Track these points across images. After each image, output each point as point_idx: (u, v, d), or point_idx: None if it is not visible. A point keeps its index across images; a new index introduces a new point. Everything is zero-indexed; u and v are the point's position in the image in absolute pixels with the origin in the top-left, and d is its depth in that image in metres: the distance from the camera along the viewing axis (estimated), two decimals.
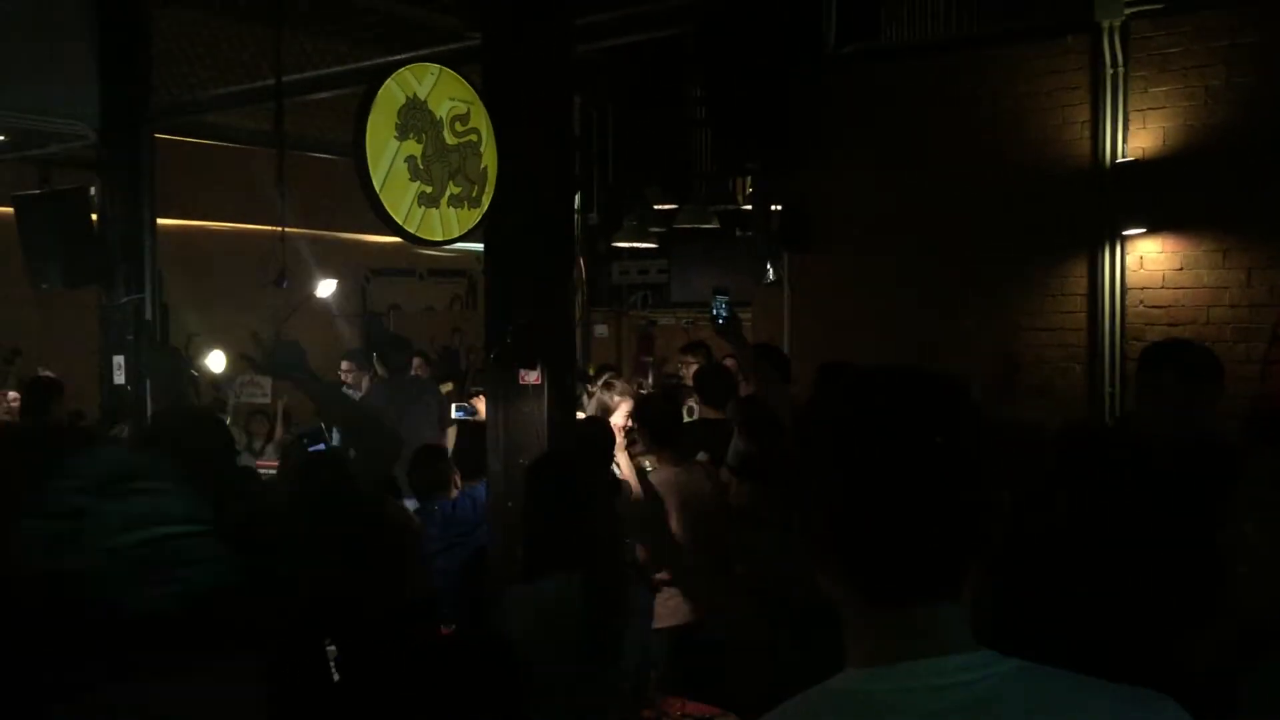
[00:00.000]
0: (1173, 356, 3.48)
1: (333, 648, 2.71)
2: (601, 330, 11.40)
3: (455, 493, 5.28)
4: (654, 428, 5.05)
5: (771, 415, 4.42)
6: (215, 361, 8.67)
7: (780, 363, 5.64)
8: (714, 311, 4.19)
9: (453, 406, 6.88)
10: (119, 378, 7.69)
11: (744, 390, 5.57)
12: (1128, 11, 6.11)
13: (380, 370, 7.65)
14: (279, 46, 6.63)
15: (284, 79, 6.65)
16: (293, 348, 3.08)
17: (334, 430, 5.94)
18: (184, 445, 2.60)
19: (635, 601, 3.21)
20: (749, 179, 9.00)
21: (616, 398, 5.55)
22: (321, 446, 3.57)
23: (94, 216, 7.92)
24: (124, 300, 7.74)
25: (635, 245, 9.74)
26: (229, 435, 2.93)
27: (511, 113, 5.17)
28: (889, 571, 1.07)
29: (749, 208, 9.05)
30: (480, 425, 6.43)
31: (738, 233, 9.29)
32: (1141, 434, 3.27)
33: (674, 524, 4.78)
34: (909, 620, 1.07)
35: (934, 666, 1.05)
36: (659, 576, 4.73)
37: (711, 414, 5.99)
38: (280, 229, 6.59)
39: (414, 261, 12.22)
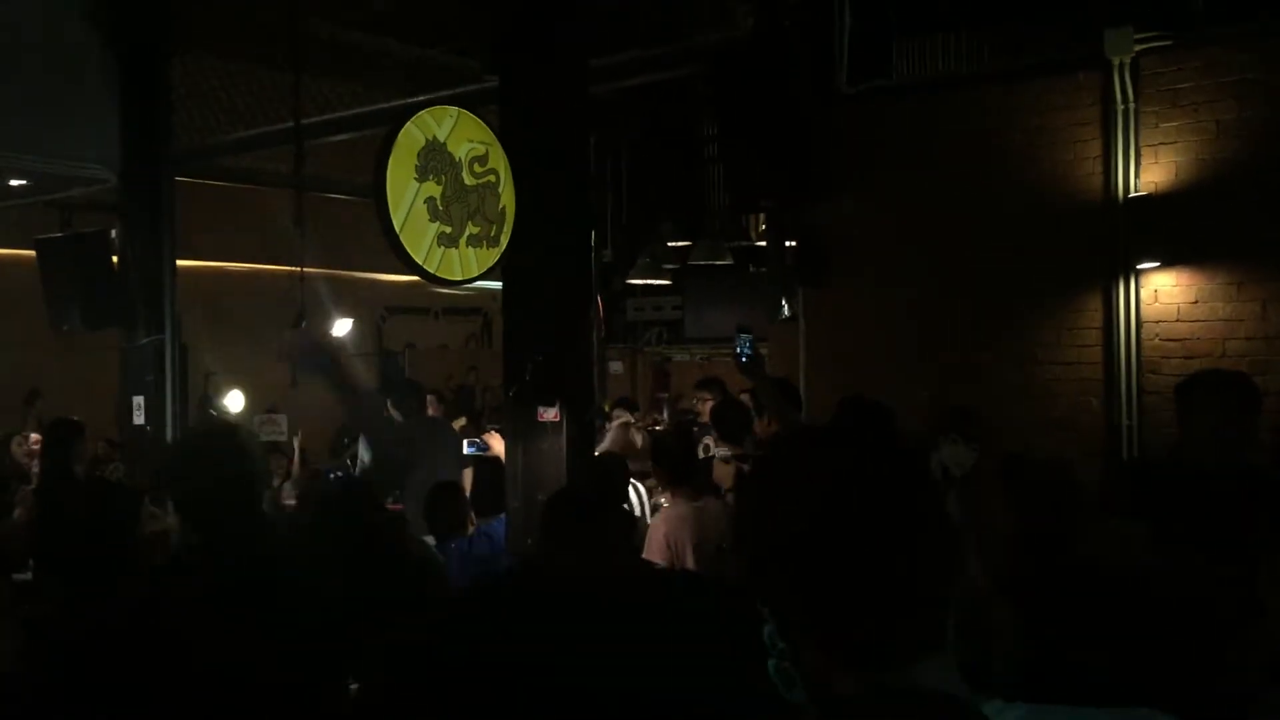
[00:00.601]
0: (1221, 387, 3.51)
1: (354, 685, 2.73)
2: (616, 367, 11.44)
3: (472, 530, 5.30)
4: (669, 466, 5.07)
5: None
6: (234, 401, 8.73)
7: (794, 398, 5.66)
8: (738, 349, 4.24)
9: (464, 443, 6.90)
10: (138, 418, 7.75)
11: (759, 427, 5.59)
12: (1138, 48, 6.17)
13: (396, 415, 7.63)
14: (297, 90, 6.73)
15: (302, 122, 6.75)
16: (317, 347, 3.05)
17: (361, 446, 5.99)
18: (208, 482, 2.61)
19: None
20: (763, 215, 9.05)
21: (634, 433, 5.59)
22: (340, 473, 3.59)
23: (114, 259, 8.02)
24: (144, 341, 7.82)
25: (649, 282, 9.79)
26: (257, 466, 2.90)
27: (529, 154, 5.25)
28: (876, 635, 1.05)
29: (763, 244, 9.09)
30: (496, 461, 6.47)
31: (751, 269, 9.34)
32: (1200, 465, 3.27)
33: (688, 562, 4.78)
34: (909, 677, 1.05)
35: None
36: None
37: (728, 450, 6.01)
38: (300, 269, 6.66)
39: (429, 300, 12.29)
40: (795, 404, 5.51)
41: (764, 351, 7.02)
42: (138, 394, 7.83)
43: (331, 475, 4.15)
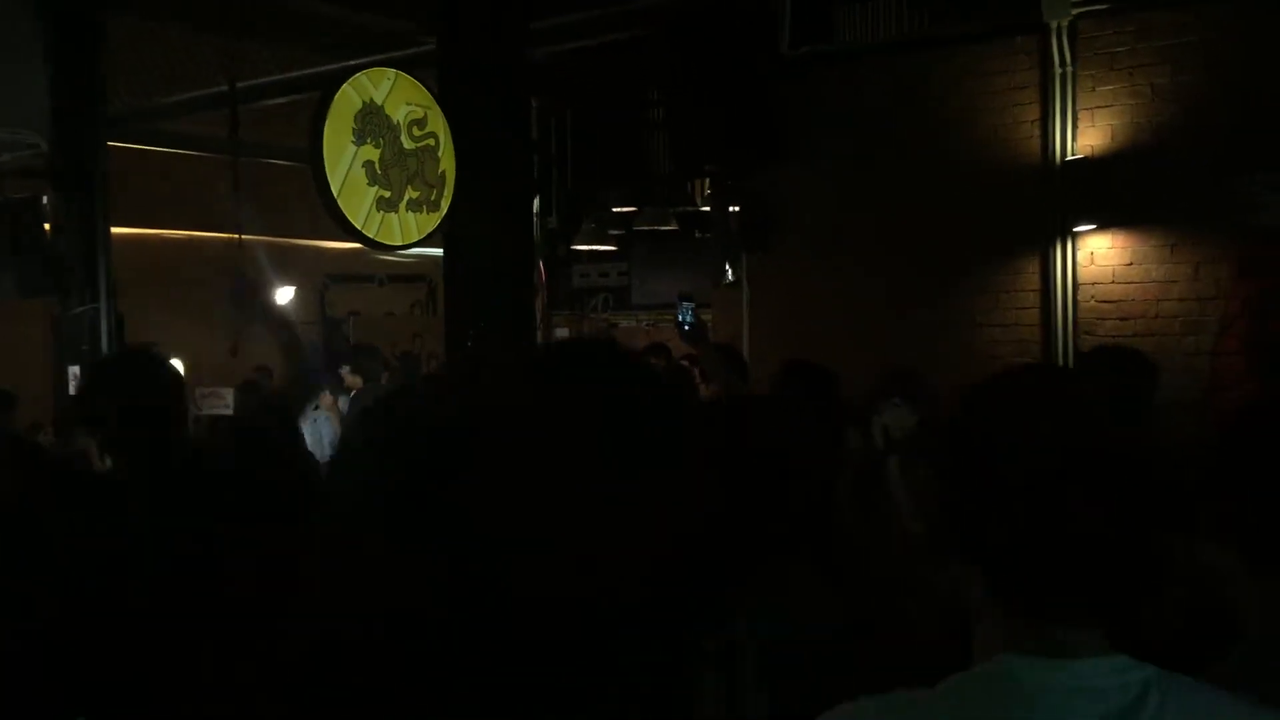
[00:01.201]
0: (1117, 360, 3.57)
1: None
2: (562, 333, 11.41)
3: None
4: None
5: None
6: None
7: (738, 364, 5.69)
8: (680, 318, 4.25)
9: None
10: (74, 388, 7.60)
11: (704, 392, 5.61)
12: (1075, 11, 6.22)
13: (352, 380, 7.50)
14: (232, 53, 6.61)
15: (239, 85, 6.64)
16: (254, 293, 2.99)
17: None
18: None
19: None
20: (707, 181, 9.05)
21: None
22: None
23: (47, 226, 7.83)
24: (79, 310, 7.67)
25: (595, 248, 9.76)
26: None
27: (469, 117, 5.20)
28: (1050, 594, 1.05)
29: (708, 209, 9.10)
30: None
31: (697, 234, 9.34)
32: None
33: None
34: (1055, 631, 1.05)
35: (1079, 668, 1.03)
36: None
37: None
38: (238, 236, 6.57)
39: (373, 267, 12.16)
40: (740, 369, 5.52)
41: (707, 318, 7.04)
42: (73, 364, 7.68)
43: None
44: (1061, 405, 1.11)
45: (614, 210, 9.41)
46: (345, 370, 7.45)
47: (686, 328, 4.24)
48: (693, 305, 4.31)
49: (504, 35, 5.33)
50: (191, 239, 10.15)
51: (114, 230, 8.04)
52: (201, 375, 8.97)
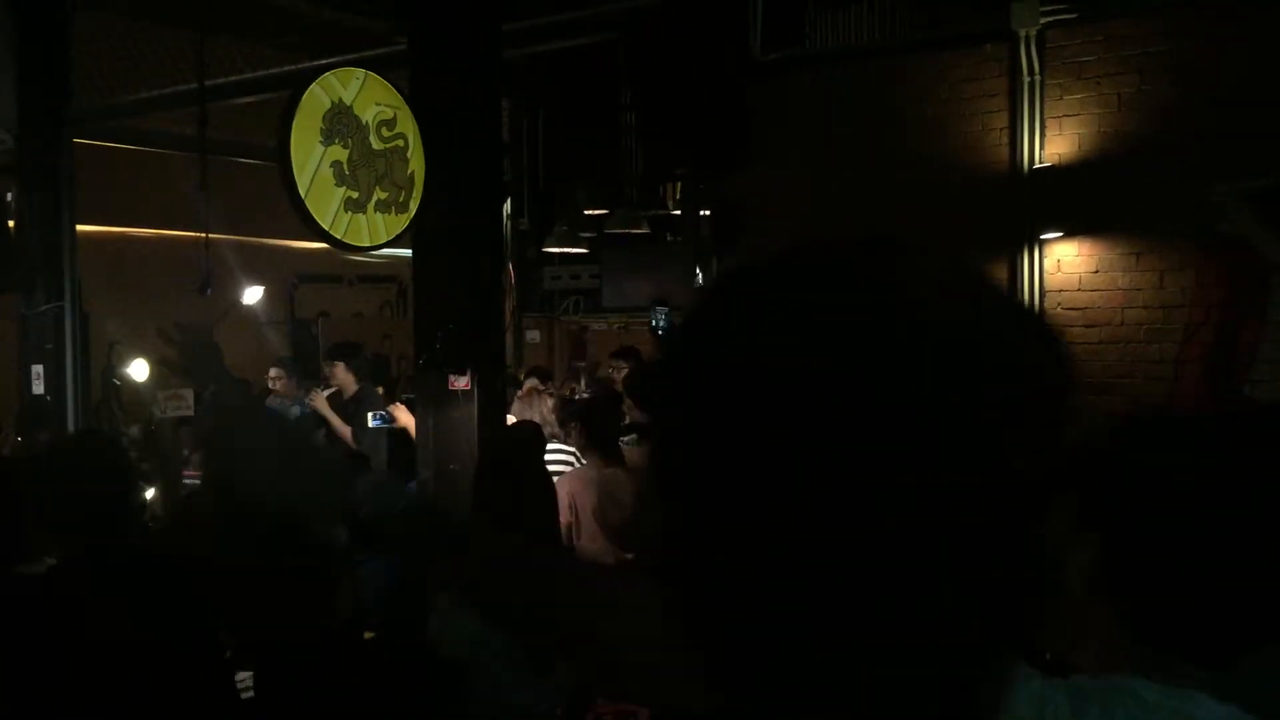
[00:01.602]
0: None
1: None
2: (533, 335, 11.38)
3: None
4: (593, 429, 5.08)
5: None
6: (138, 370, 8.51)
7: None
8: (654, 322, 4.25)
9: (369, 415, 6.73)
10: (38, 387, 7.52)
11: None
12: (1043, 21, 6.28)
13: (350, 379, 7.20)
14: (202, 50, 6.55)
15: (207, 83, 6.57)
16: (210, 349, 2.98)
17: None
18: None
19: None
20: (678, 184, 9.06)
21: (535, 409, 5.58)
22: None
23: (10, 223, 7.74)
24: (43, 308, 7.58)
25: (566, 250, 9.74)
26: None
27: (439, 118, 5.18)
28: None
29: (679, 213, 9.11)
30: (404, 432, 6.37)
31: (668, 237, 9.35)
32: None
33: (584, 523, 4.83)
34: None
35: (1192, 699, 1.02)
36: None
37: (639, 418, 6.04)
38: (204, 235, 6.51)
39: (342, 267, 12.08)
40: None
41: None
42: (37, 363, 7.59)
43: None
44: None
45: (585, 213, 9.41)
46: (340, 368, 7.24)
47: (660, 331, 4.24)
48: (668, 310, 4.32)
49: (476, 37, 5.31)
50: (158, 237, 10.05)
51: (79, 228, 7.96)
52: (166, 375, 8.88)
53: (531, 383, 8.17)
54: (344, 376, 7.11)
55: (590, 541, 4.84)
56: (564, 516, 4.82)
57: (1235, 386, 5.82)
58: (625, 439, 5.76)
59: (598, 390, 8.75)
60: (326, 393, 7.13)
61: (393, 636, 3.59)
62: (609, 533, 4.80)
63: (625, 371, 7.34)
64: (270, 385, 8.37)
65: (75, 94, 7.92)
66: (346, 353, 7.27)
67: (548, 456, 5.08)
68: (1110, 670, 1.04)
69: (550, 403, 5.55)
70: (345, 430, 6.80)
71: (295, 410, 8.04)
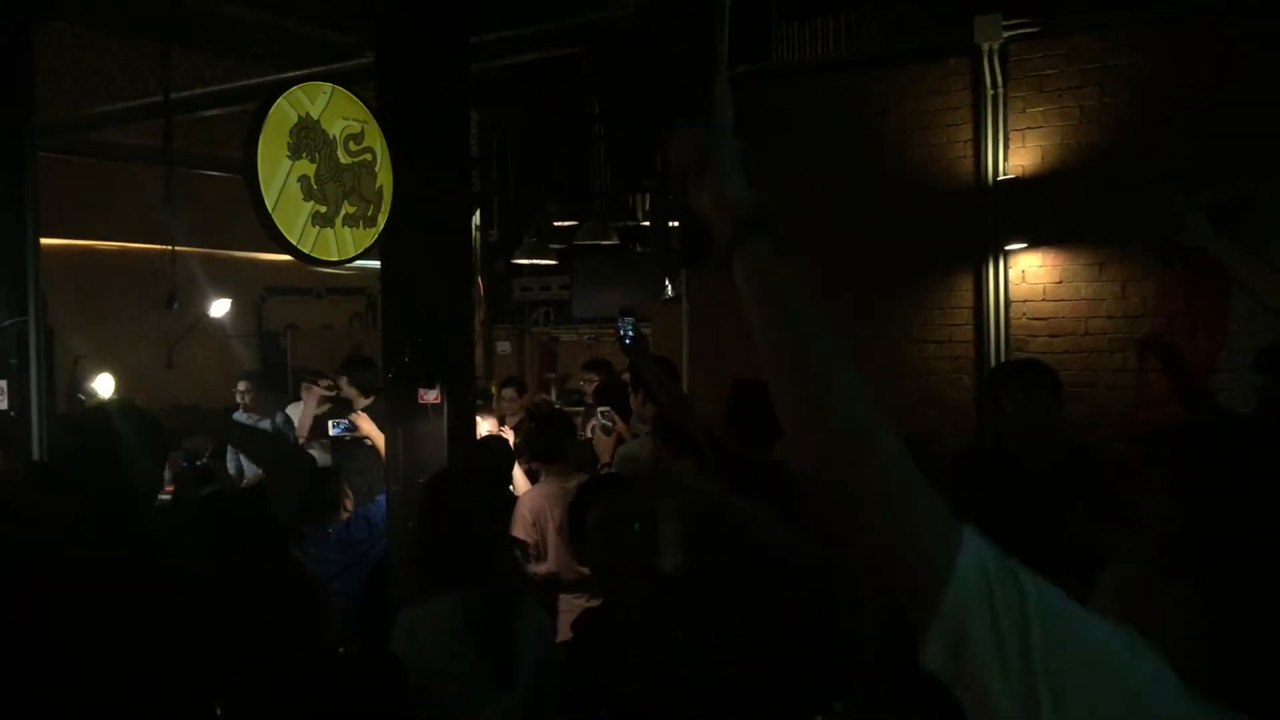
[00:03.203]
0: (1026, 372, 3.66)
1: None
2: (504, 347, 11.38)
3: (345, 515, 5.21)
4: (540, 444, 5.10)
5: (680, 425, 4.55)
6: (103, 384, 8.44)
7: (672, 375, 5.71)
8: (620, 332, 4.26)
9: (329, 423, 6.69)
10: (1, 403, 7.43)
11: (634, 404, 5.62)
12: (1006, 34, 6.36)
13: (358, 395, 7.11)
14: (168, 62, 6.52)
15: (173, 95, 6.54)
16: (189, 412, 2.99)
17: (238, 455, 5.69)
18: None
19: (532, 620, 3.21)
20: (648, 195, 9.09)
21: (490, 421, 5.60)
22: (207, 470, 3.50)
23: None
24: (7, 323, 7.50)
25: (536, 262, 9.76)
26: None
27: (406, 131, 5.17)
28: None
29: (648, 224, 9.14)
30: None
31: (638, 249, 9.38)
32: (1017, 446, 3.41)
33: (549, 539, 4.83)
34: None
35: None
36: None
37: (610, 420, 6.04)
38: (170, 248, 6.47)
39: (311, 280, 12.02)
40: (672, 378, 5.54)
41: (648, 332, 7.07)
42: (1, 378, 7.50)
43: (194, 462, 4.01)
44: None
45: (555, 224, 9.42)
46: (343, 382, 7.19)
47: (628, 341, 4.26)
48: (634, 320, 4.33)
49: (443, 50, 5.31)
50: (124, 250, 9.98)
51: (43, 241, 7.88)
52: (133, 389, 8.81)
53: (509, 393, 8.18)
54: (349, 390, 7.09)
55: (557, 557, 4.84)
56: (528, 535, 4.82)
57: (1204, 395, 5.91)
58: (602, 413, 5.75)
59: (543, 401, 8.75)
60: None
61: (362, 650, 3.59)
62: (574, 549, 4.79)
63: (596, 384, 7.36)
64: (239, 399, 8.33)
65: (39, 106, 7.84)
66: (353, 367, 7.26)
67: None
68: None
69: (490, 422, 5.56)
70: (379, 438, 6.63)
71: (265, 424, 8.00)
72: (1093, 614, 1.04)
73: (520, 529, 4.79)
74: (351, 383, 7.02)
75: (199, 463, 6.11)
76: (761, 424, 3.80)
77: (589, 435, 6.17)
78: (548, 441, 5.18)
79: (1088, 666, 0.98)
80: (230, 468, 7.54)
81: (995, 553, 1.04)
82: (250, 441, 3.70)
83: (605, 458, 5.59)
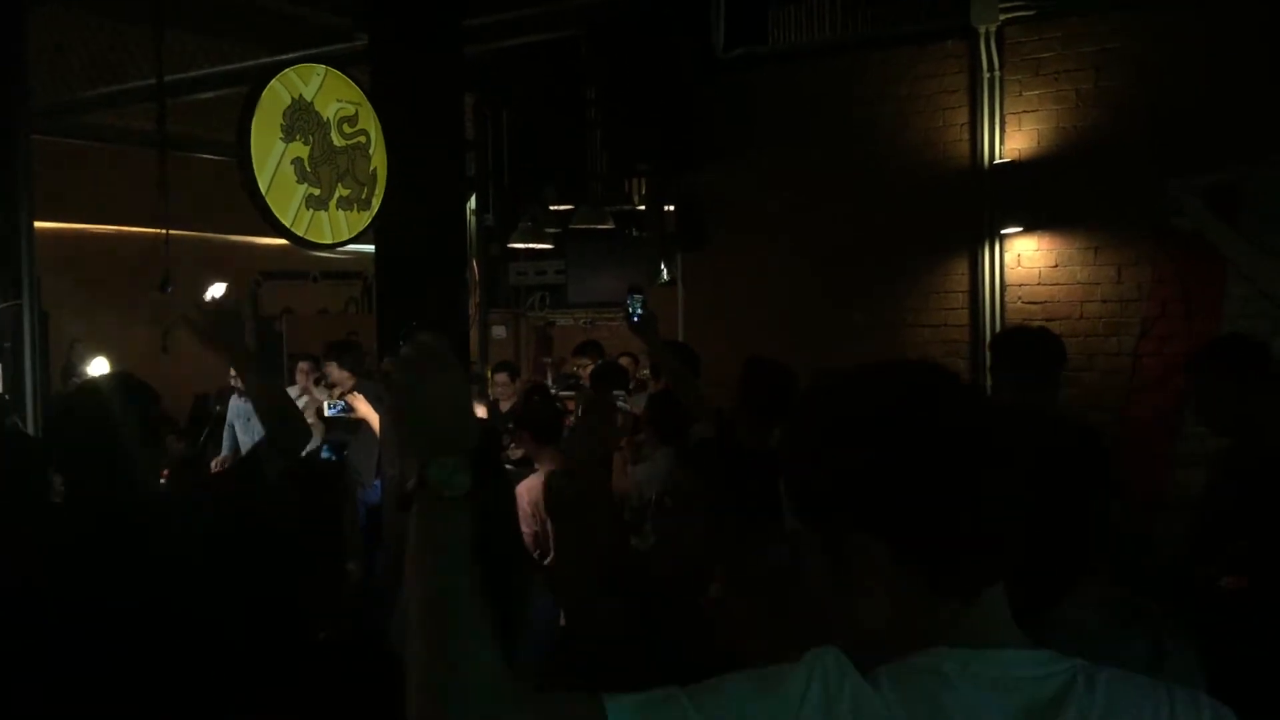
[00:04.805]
0: (1029, 341, 3.67)
1: None
2: (499, 332, 11.35)
3: None
4: (535, 430, 5.07)
5: (681, 409, 4.55)
6: (98, 367, 8.42)
7: (691, 359, 5.69)
8: (629, 310, 4.20)
9: (325, 404, 6.68)
10: None
11: (654, 387, 5.62)
12: (1002, 18, 6.34)
13: (340, 375, 7.14)
14: (160, 45, 6.48)
15: (166, 79, 6.51)
16: (234, 320, 2.82)
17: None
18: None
19: (530, 602, 3.21)
20: (644, 179, 9.06)
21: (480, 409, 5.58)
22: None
23: None
24: (1, 307, 7.48)
25: (531, 246, 9.72)
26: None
27: (401, 114, 5.16)
28: (961, 562, 1.05)
29: (644, 208, 9.11)
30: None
31: (633, 233, 9.35)
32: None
33: (549, 528, 4.82)
34: (971, 610, 1.05)
35: (997, 658, 1.04)
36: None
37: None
38: (164, 231, 6.45)
39: (307, 263, 12.01)
40: (693, 364, 5.48)
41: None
42: None
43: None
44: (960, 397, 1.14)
45: (550, 208, 9.39)
46: (331, 367, 7.20)
47: (636, 319, 4.20)
48: (643, 298, 4.27)
49: (438, 32, 5.30)
50: (118, 234, 9.96)
51: (38, 225, 7.85)
52: (127, 370, 8.79)
53: (501, 378, 8.17)
54: (339, 374, 7.07)
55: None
56: (529, 525, 4.80)
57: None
58: (618, 397, 5.73)
59: (537, 384, 8.74)
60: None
61: (358, 641, 3.59)
62: (566, 534, 4.78)
63: (590, 368, 7.35)
64: (234, 384, 8.31)
65: (32, 89, 7.81)
66: (340, 351, 7.26)
67: None
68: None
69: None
70: (374, 419, 6.65)
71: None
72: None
73: (521, 519, 4.77)
74: (341, 366, 7.02)
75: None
76: (772, 401, 3.80)
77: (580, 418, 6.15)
78: (549, 420, 5.15)
79: None
80: (225, 447, 7.55)
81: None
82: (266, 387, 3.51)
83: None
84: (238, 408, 8.18)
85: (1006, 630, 1.07)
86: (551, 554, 4.89)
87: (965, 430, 1.08)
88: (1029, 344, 3.67)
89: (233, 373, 8.34)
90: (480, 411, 5.77)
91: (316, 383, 7.50)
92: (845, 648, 1.03)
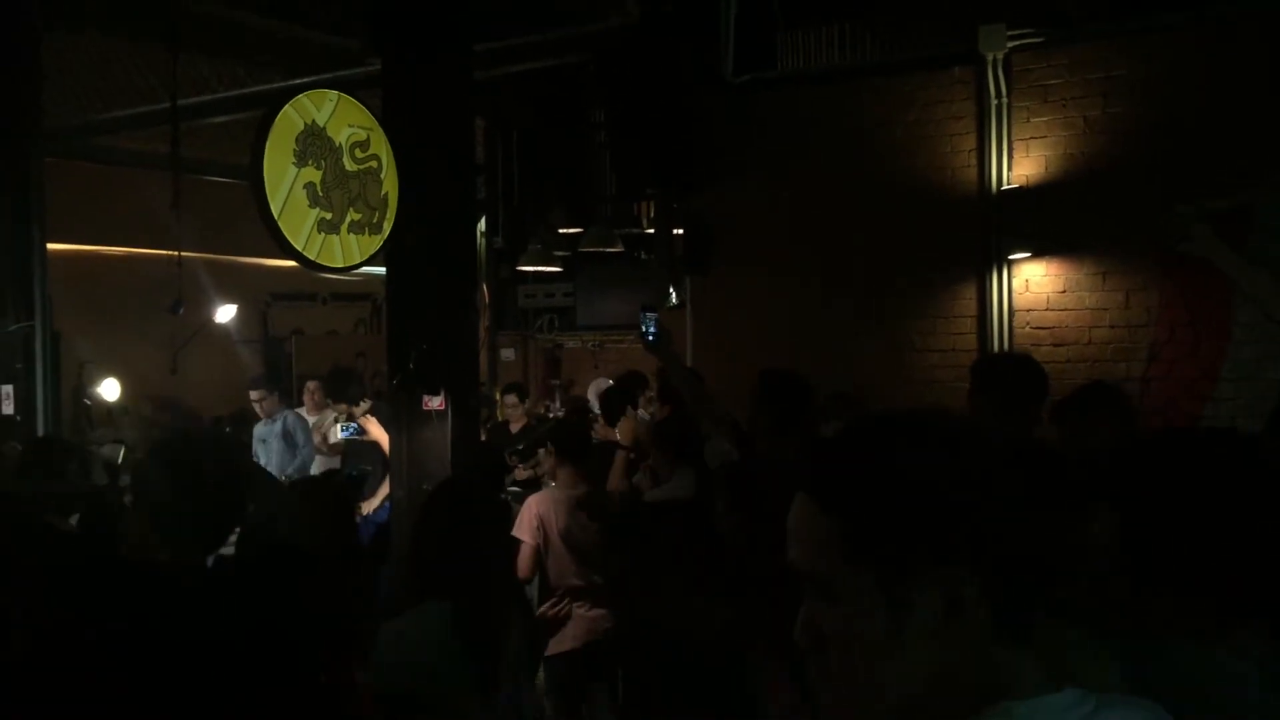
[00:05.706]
0: (1013, 369, 3.67)
1: None
2: (508, 354, 11.38)
3: (358, 519, 5.23)
4: (564, 446, 5.08)
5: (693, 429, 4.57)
6: (109, 390, 8.47)
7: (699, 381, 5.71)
8: (643, 329, 4.20)
9: (338, 426, 6.73)
10: (7, 407, 7.45)
11: (660, 413, 5.63)
12: (1010, 44, 6.37)
13: (338, 406, 7.20)
14: (175, 68, 6.55)
15: (180, 102, 6.57)
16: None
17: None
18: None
19: (522, 629, 3.22)
20: (652, 202, 9.11)
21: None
22: None
23: None
24: (13, 328, 7.53)
25: (541, 269, 9.77)
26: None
27: (412, 139, 5.20)
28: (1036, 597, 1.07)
29: (652, 231, 9.15)
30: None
31: (642, 256, 9.39)
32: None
33: (554, 544, 4.83)
34: (1021, 658, 1.06)
35: (1056, 703, 1.05)
36: (550, 609, 4.79)
37: (609, 434, 6.07)
38: (176, 254, 6.49)
39: (316, 285, 12.06)
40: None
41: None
42: (7, 382, 7.52)
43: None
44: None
45: (559, 231, 9.43)
46: (328, 398, 7.30)
47: (650, 337, 4.20)
48: (656, 316, 4.27)
49: (449, 58, 5.34)
50: (130, 256, 10.01)
51: (50, 246, 7.91)
52: (137, 392, 8.84)
53: (510, 399, 8.20)
54: (337, 407, 7.14)
55: (558, 563, 4.84)
56: (532, 537, 4.82)
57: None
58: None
59: (572, 408, 8.78)
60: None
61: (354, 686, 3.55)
62: (577, 555, 4.80)
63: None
64: (256, 408, 8.38)
65: (46, 112, 7.88)
66: (333, 383, 7.35)
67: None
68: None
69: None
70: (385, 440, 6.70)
71: (277, 424, 8.08)
72: None
73: (525, 530, 4.79)
74: (338, 399, 7.12)
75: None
76: (788, 412, 3.81)
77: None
78: (581, 440, 5.18)
79: None
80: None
81: None
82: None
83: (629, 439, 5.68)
84: (259, 431, 8.26)
85: (1040, 675, 1.07)
86: (552, 567, 4.89)
87: (1049, 469, 1.14)
88: (1010, 371, 3.69)
89: (253, 396, 8.41)
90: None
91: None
92: (881, 715, 1.04)
